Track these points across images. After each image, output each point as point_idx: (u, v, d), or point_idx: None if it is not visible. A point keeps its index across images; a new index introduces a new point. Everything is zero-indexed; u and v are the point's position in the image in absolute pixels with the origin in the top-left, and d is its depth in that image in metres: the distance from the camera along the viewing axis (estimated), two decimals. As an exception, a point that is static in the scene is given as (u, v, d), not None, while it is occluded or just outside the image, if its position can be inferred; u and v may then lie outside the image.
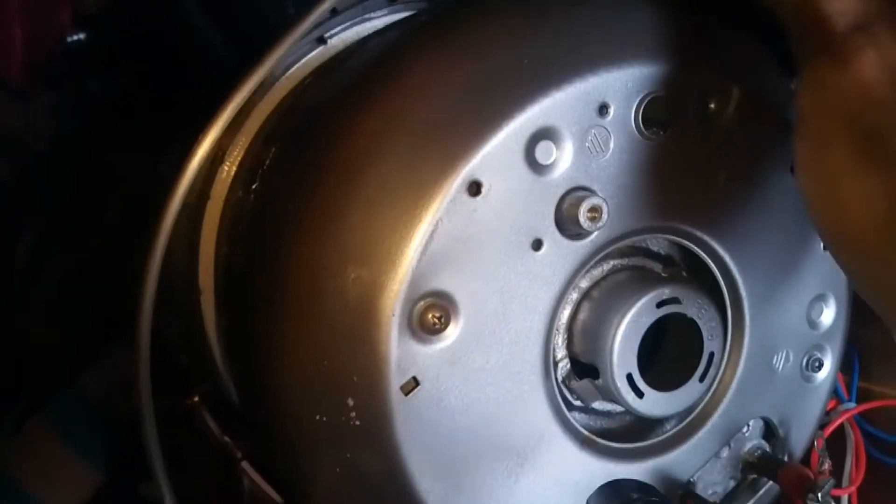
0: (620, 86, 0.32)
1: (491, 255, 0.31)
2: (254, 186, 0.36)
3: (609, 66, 0.32)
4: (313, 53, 0.40)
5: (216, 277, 0.40)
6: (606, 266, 0.37)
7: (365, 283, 0.30)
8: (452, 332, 0.31)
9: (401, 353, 0.31)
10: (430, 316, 0.31)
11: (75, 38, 0.52)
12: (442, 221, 0.30)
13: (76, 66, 0.52)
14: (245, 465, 0.42)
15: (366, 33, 0.40)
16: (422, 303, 0.31)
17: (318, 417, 0.32)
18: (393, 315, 0.30)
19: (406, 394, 0.31)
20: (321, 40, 0.40)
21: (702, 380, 0.37)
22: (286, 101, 0.40)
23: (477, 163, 0.30)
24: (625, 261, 0.37)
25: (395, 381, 0.31)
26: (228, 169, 0.40)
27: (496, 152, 0.30)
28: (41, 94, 0.51)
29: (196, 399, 0.43)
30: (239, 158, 0.40)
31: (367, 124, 0.31)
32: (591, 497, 0.36)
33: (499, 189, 0.31)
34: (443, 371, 0.32)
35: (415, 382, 0.31)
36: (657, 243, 0.38)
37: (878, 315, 0.29)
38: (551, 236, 0.32)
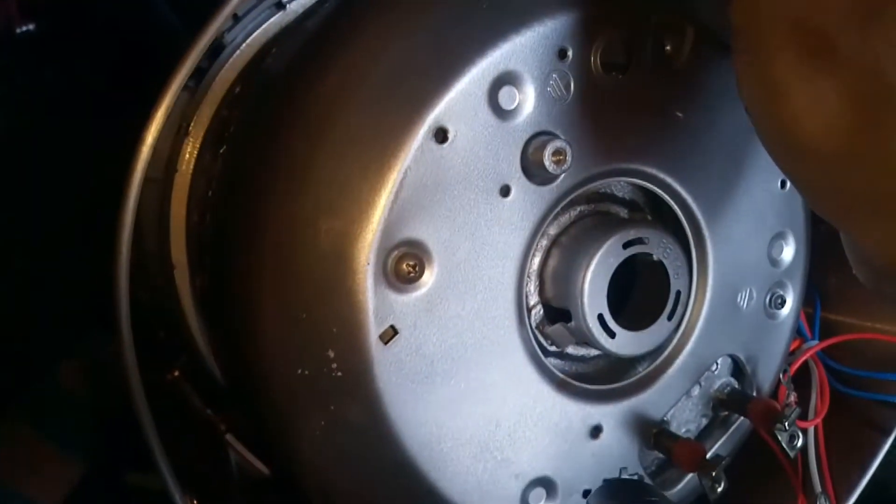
0: (577, 29, 0.33)
1: (460, 202, 0.32)
2: (221, 150, 0.37)
3: (565, 10, 0.32)
4: (273, 19, 0.40)
5: (188, 249, 0.40)
6: (573, 212, 0.37)
7: (338, 233, 0.30)
8: (427, 279, 0.32)
9: (378, 302, 0.31)
10: (404, 265, 0.31)
11: (24, 28, 0.51)
12: (411, 169, 0.31)
13: (28, 57, 0.51)
14: (230, 437, 0.42)
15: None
16: (396, 252, 0.31)
17: (300, 372, 0.32)
18: (368, 264, 0.31)
19: (385, 342, 0.32)
20: (280, 5, 0.40)
21: (670, 318, 0.38)
22: (248, 67, 0.39)
23: (442, 110, 0.31)
24: (591, 206, 0.38)
25: (374, 329, 0.31)
26: (194, 140, 0.40)
27: (460, 98, 0.31)
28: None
29: (176, 373, 0.43)
30: (205, 128, 0.40)
31: (331, 77, 0.32)
32: (591, 497, 0.37)
33: (465, 136, 0.31)
34: (420, 319, 0.32)
35: (393, 331, 0.32)
36: (621, 189, 0.39)
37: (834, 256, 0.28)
38: (518, 182, 0.33)
